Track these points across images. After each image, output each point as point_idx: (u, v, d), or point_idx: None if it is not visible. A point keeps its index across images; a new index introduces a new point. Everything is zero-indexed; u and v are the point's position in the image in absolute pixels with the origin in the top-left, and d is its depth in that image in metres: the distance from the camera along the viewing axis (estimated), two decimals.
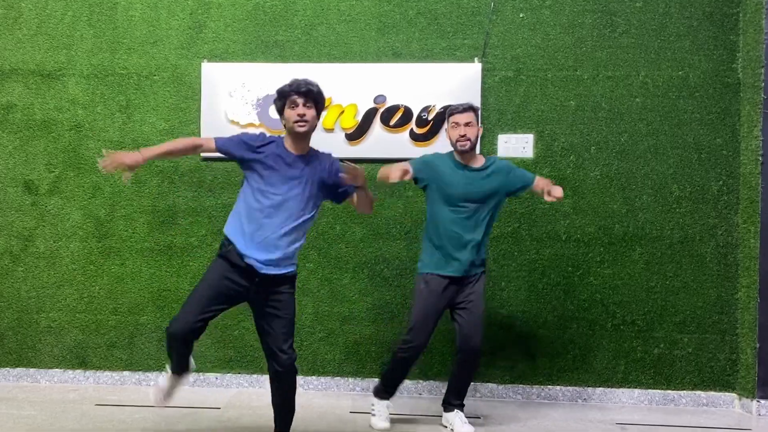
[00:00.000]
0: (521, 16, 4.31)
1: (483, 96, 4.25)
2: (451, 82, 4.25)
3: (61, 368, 4.42)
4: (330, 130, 4.22)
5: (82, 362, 4.42)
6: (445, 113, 3.56)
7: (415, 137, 4.23)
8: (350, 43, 4.35)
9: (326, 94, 4.12)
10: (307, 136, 2.98)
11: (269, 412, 3.77)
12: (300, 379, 4.18)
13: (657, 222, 4.20)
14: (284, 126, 3.00)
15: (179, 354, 3.00)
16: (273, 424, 3.26)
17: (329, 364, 4.32)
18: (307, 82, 2.94)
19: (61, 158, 4.44)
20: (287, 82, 2.98)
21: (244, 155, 2.94)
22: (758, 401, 4.02)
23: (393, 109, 4.25)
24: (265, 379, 4.20)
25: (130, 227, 4.41)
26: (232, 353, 4.37)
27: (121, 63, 4.42)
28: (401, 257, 4.26)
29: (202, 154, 4.30)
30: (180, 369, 3.08)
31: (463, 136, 3.41)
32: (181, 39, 4.40)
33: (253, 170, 2.96)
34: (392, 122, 4.25)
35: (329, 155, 3.09)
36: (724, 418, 3.96)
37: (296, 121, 2.90)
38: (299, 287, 4.15)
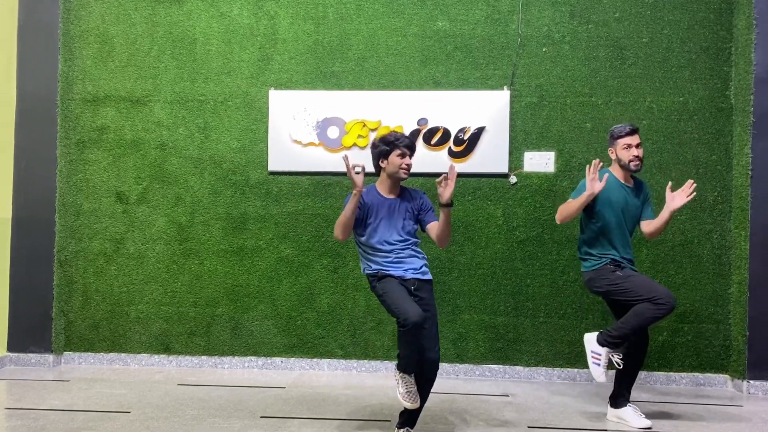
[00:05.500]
0: (544, 50, 4.54)
1: (511, 119, 4.49)
2: (483, 107, 4.51)
3: (147, 353, 4.66)
4: None
5: (166, 348, 4.66)
6: (610, 136, 3.56)
7: (452, 154, 4.52)
8: (397, 73, 4.59)
9: (375, 117, 4.51)
10: (403, 181, 3.23)
11: (328, 391, 4.04)
12: (353, 362, 4.54)
13: None
14: (383, 169, 3.18)
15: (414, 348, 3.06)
16: (329, 402, 3.55)
17: (379, 349, 4.57)
18: (410, 139, 3.19)
19: (148, 172, 4.69)
20: (390, 135, 3.16)
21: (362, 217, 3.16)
22: (748, 382, 4.23)
23: (434, 130, 4.52)
24: (324, 362, 4.53)
25: (207, 232, 4.65)
26: (295, 340, 4.61)
27: (200, 90, 4.67)
28: (440, 257, 4.50)
29: (270, 168, 4.57)
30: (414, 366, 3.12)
31: (636, 157, 3.45)
32: (252, 70, 4.65)
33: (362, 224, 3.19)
34: (433, 141, 4.52)
35: (420, 192, 3.30)
36: (719, 397, 4.14)
37: (403, 169, 3.13)
38: (354, 284, 4.56)
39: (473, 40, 4.61)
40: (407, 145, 3.15)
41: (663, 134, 4.49)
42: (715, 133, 4.48)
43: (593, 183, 3.35)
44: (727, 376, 4.44)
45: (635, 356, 3.50)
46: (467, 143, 4.55)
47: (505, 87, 4.56)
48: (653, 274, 4.44)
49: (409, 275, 3.14)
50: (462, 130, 4.56)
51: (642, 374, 4.42)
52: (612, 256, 3.48)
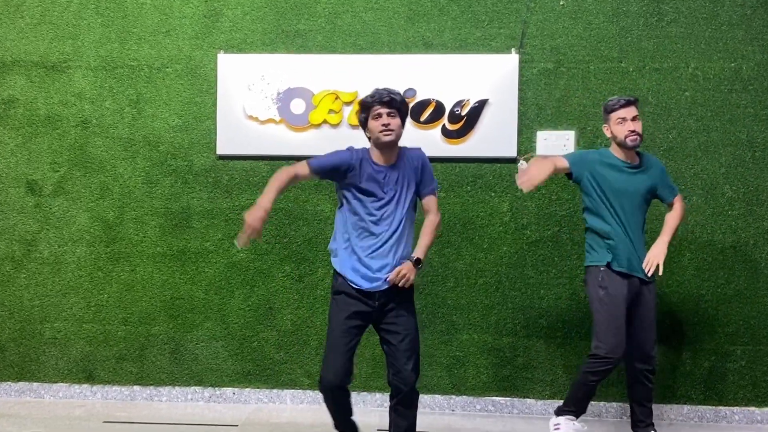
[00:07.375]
0: (562, 3, 4.18)
1: (520, 90, 4.13)
2: (486, 75, 4.12)
3: (66, 382, 4.36)
4: (356, 127, 3.99)
5: (89, 376, 4.36)
6: (604, 110, 3.48)
7: (447, 134, 4.11)
8: (378, 33, 4.22)
9: (351, 87, 4.11)
10: (394, 145, 3.03)
11: (291, 430, 3.84)
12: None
13: (708, 225, 4.04)
14: (369, 138, 3.06)
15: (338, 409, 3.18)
16: None
17: (355, 377, 3.97)
18: (389, 92, 3.02)
19: (66, 156, 4.36)
20: (369, 95, 3.03)
21: (342, 177, 3.00)
22: None
23: (424, 104, 4.14)
24: (286, 394, 4.23)
25: (140, 231, 4.32)
26: (251, 366, 4.27)
27: (131, 54, 4.33)
28: (432, 263, 4.12)
29: (219, 151, 4.23)
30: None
31: (633, 131, 3.36)
32: (196, 28, 4.30)
33: (349, 191, 3.02)
34: (423, 118, 4.13)
35: (418, 150, 3.12)
36: None
37: (382, 131, 2.98)
38: (323, 297, 4.15)
39: None
40: (381, 99, 2.98)
41: (710, 108, 4.13)
42: None
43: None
44: None
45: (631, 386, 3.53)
46: (465, 120, 4.17)
47: (513, 50, 4.19)
48: (699, 282, 4.11)
49: (373, 285, 2.98)
50: (459, 104, 4.18)
51: (684, 408, 4.11)
52: (608, 257, 3.39)
